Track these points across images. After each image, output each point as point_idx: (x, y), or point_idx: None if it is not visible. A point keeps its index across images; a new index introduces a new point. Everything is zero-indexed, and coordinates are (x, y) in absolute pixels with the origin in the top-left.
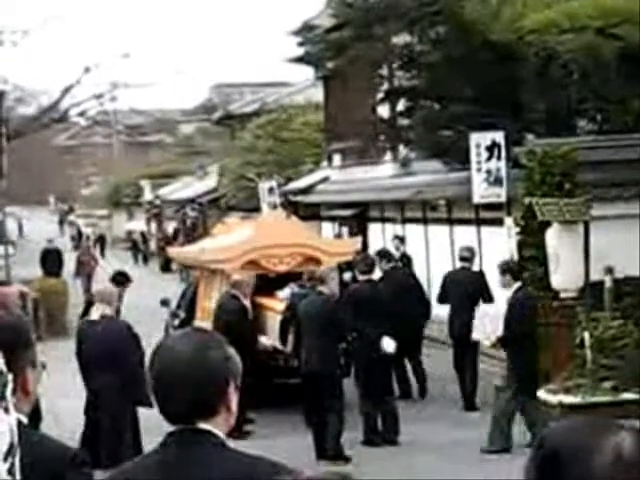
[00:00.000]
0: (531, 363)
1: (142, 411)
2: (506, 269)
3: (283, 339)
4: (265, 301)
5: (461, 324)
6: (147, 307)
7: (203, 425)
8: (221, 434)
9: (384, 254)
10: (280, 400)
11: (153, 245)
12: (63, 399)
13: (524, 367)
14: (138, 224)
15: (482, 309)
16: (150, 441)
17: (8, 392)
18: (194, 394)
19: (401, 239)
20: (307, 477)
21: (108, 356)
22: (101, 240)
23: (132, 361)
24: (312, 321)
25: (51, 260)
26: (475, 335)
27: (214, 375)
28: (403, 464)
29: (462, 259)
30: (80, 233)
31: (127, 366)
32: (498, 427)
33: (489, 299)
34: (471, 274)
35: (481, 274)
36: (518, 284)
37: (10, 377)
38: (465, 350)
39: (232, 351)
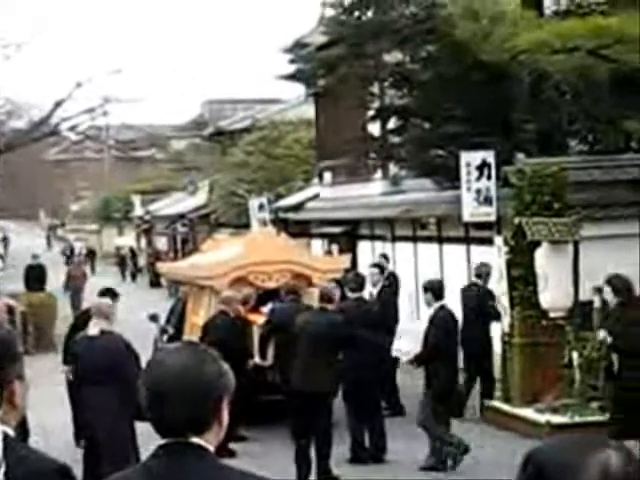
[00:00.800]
0: (447, 381)
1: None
2: (428, 288)
3: (262, 353)
4: (250, 316)
5: (470, 338)
6: (136, 322)
7: (195, 439)
8: (211, 448)
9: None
10: (266, 417)
11: (142, 260)
12: (51, 413)
13: (439, 385)
14: (127, 240)
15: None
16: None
17: None
18: (188, 408)
19: (387, 258)
20: None
21: (107, 371)
22: (91, 255)
23: (131, 376)
24: (320, 339)
25: (34, 276)
26: (395, 352)
27: (209, 390)
28: None
29: (476, 276)
30: (72, 248)
31: (126, 381)
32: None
33: (494, 316)
34: (477, 291)
35: (485, 291)
36: (440, 303)
37: None
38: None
39: (226, 366)
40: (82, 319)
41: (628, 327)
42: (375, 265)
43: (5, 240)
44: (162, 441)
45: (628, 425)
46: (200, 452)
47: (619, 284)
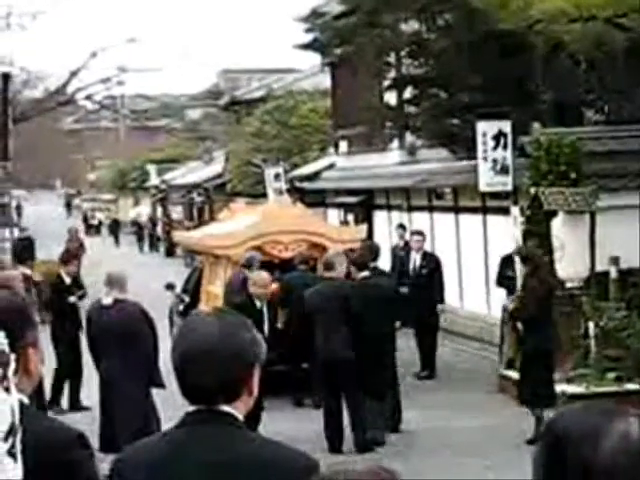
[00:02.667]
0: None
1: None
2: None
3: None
4: None
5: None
6: (152, 291)
7: (224, 407)
8: (240, 417)
9: None
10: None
11: (159, 230)
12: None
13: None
14: (143, 209)
15: None
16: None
17: (10, 372)
18: (220, 375)
19: (404, 227)
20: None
21: (124, 338)
22: (115, 225)
23: (147, 343)
24: (329, 310)
25: (22, 248)
26: None
27: (241, 357)
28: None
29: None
30: (86, 217)
31: (142, 348)
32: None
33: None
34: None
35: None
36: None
37: (12, 357)
38: None
39: (258, 335)
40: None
41: (526, 296)
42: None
43: (19, 208)
44: (189, 408)
45: None
46: (230, 420)
47: (526, 254)
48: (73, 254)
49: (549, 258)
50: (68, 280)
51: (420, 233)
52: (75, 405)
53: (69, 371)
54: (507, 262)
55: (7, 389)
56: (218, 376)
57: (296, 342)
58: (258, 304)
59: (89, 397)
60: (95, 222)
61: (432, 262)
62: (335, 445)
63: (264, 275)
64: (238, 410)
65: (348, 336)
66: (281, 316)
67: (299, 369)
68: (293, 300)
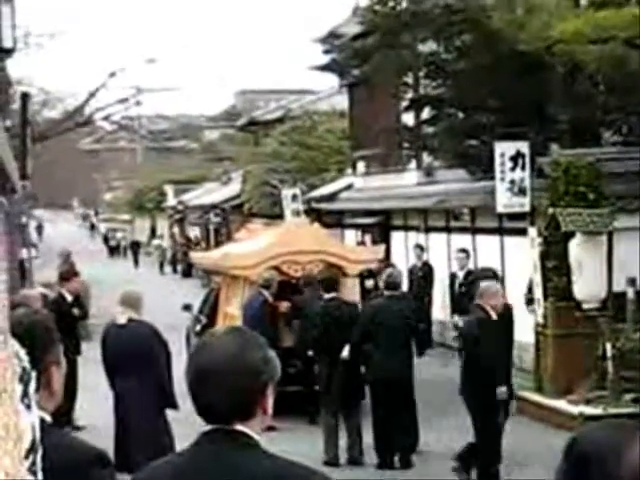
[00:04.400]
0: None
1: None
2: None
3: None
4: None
5: None
6: (169, 312)
7: (239, 426)
8: (256, 436)
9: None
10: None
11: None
12: (84, 401)
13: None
14: (163, 229)
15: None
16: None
17: (31, 389)
18: (234, 394)
19: (422, 248)
20: None
21: (137, 359)
22: (135, 247)
23: (160, 364)
24: (399, 327)
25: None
26: None
27: (255, 376)
28: None
29: None
30: (107, 238)
31: (155, 369)
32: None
33: None
34: None
35: None
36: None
37: (34, 374)
38: None
39: (272, 353)
40: None
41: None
42: (462, 250)
43: (40, 228)
44: (204, 428)
45: None
46: (245, 439)
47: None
48: (73, 271)
49: (567, 279)
50: (70, 298)
51: (464, 251)
52: (69, 425)
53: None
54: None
55: (28, 406)
56: (232, 396)
57: (309, 362)
58: None
59: (92, 416)
60: (114, 243)
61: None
62: (387, 460)
63: None
64: (253, 429)
65: (409, 354)
66: (288, 334)
67: (313, 389)
68: (305, 320)
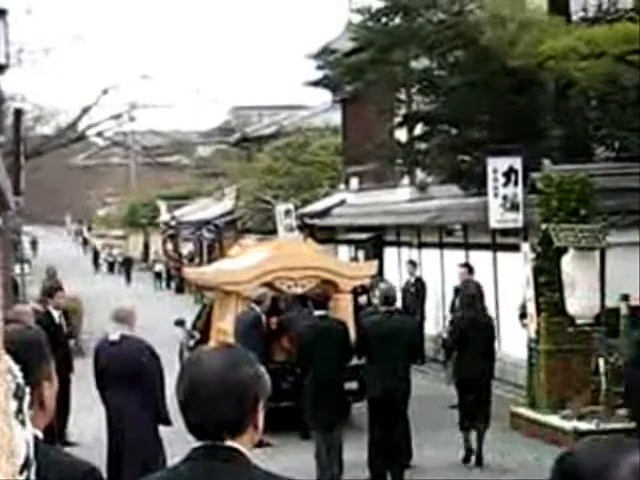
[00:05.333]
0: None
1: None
2: None
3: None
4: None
5: None
6: (162, 328)
7: (230, 442)
8: (247, 452)
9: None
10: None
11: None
12: (78, 417)
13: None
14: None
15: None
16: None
17: (25, 405)
18: (224, 410)
19: (414, 264)
20: None
21: (130, 375)
22: (127, 263)
23: (153, 380)
24: (396, 342)
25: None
26: None
27: (245, 392)
28: None
29: None
30: (96, 256)
31: (148, 385)
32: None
33: None
34: None
35: None
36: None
37: (27, 390)
38: None
39: (262, 369)
40: None
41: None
42: (464, 265)
43: (34, 244)
44: (196, 444)
45: None
46: (236, 455)
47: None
48: (56, 286)
49: (560, 295)
50: (57, 314)
51: (466, 265)
52: (61, 441)
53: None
54: None
55: (22, 422)
56: (223, 412)
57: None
58: None
59: (85, 432)
60: (110, 259)
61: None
62: (380, 476)
63: None
64: (244, 445)
65: (407, 370)
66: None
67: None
68: (295, 336)
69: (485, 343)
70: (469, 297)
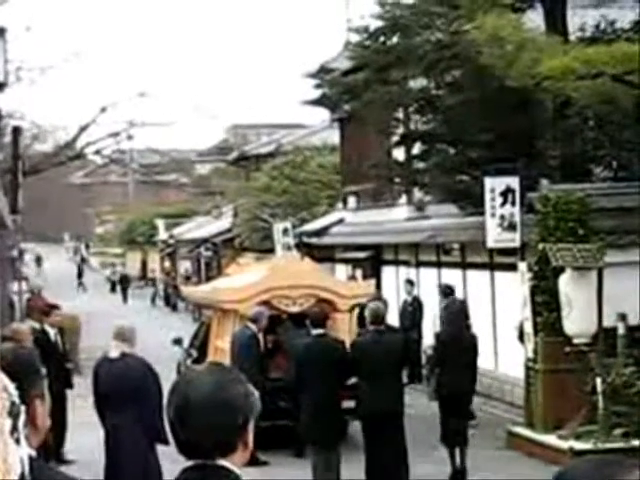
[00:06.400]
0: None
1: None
2: None
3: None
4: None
5: None
6: (159, 346)
7: (221, 461)
8: (237, 471)
9: None
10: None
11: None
12: (76, 434)
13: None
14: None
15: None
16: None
17: (20, 423)
18: (215, 430)
19: (412, 283)
20: None
21: (128, 393)
22: (124, 281)
23: (152, 398)
24: (386, 360)
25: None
26: None
27: (235, 411)
28: None
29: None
30: (80, 273)
31: (147, 403)
32: None
33: None
34: None
35: None
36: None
37: (23, 408)
38: None
39: (251, 388)
40: None
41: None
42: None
43: (39, 260)
44: (187, 463)
45: None
46: (227, 474)
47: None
48: (52, 305)
49: (557, 314)
50: (52, 332)
51: (446, 287)
52: (59, 459)
53: (53, 426)
54: None
55: (17, 440)
56: (212, 432)
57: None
58: None
59: (82, 450)
60: (115, 278)
61: None
62: None
63: None
64: (234, 464)
65: (399, 387)
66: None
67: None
68: (290, 355)
69: (467, 359)
70: (452, 314)
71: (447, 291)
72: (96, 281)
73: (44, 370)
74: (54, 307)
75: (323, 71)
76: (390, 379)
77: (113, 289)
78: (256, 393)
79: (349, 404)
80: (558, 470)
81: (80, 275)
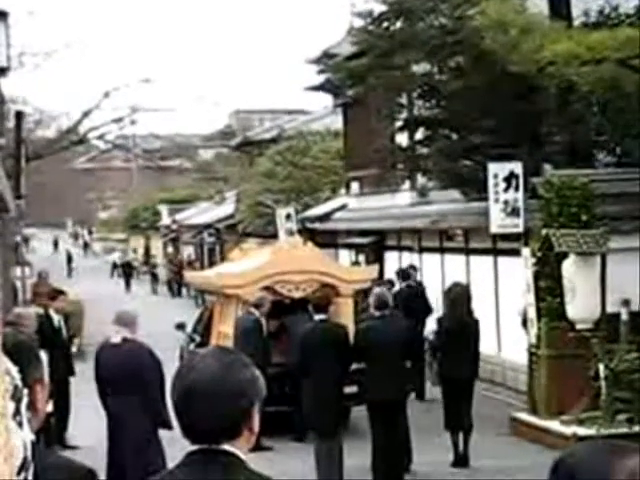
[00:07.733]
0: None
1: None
2: None
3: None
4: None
5: None
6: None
7: (226, 446)
8: (242, 455)
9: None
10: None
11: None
12: (80, 419)
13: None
14: (159, 249)
15: None
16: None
17: (23, 407)
18: (219, 414)
19: (415, 268)
20: None
21: (130, 378)
22: (128, 268)
23: (154, 383)
24: (391, 345)
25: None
26: None
27: (240, 395)
28: None
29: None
30: (70, 257)
31: (149, 388)
32: None
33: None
34: None
35: None
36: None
37: (25, 392)
38: None
39: (257, 372)
40: None
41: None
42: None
43: (26, 241)
44: (191, 448)
45: None
46: (231, 459)
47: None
48: (59, 290)
49: (560, 300)
50: (57, 318)
51: (409, 268)
52: (62, 444)
53: (57, 411)
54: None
55: (20, 424)
56: (218, 416)
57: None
58: None
59: (85, 436)
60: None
61: None
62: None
63: None
64: (240, 448)
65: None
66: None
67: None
68: (292, 341)
69: (469, 344)
70: (453, 298)
71: (405, 275)
72: (98, 266)
73: (46, 356)
74: (60, 292)
75: (326, 56)
76: (394, 364)
77: (120, 275)
78: (262, 378)
79: (352, 389)
80: (559, 455)
81: (70, 261)
